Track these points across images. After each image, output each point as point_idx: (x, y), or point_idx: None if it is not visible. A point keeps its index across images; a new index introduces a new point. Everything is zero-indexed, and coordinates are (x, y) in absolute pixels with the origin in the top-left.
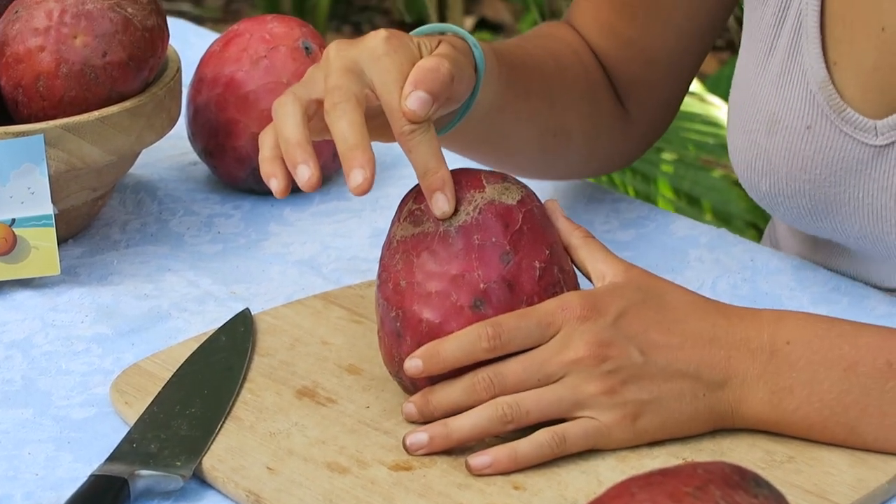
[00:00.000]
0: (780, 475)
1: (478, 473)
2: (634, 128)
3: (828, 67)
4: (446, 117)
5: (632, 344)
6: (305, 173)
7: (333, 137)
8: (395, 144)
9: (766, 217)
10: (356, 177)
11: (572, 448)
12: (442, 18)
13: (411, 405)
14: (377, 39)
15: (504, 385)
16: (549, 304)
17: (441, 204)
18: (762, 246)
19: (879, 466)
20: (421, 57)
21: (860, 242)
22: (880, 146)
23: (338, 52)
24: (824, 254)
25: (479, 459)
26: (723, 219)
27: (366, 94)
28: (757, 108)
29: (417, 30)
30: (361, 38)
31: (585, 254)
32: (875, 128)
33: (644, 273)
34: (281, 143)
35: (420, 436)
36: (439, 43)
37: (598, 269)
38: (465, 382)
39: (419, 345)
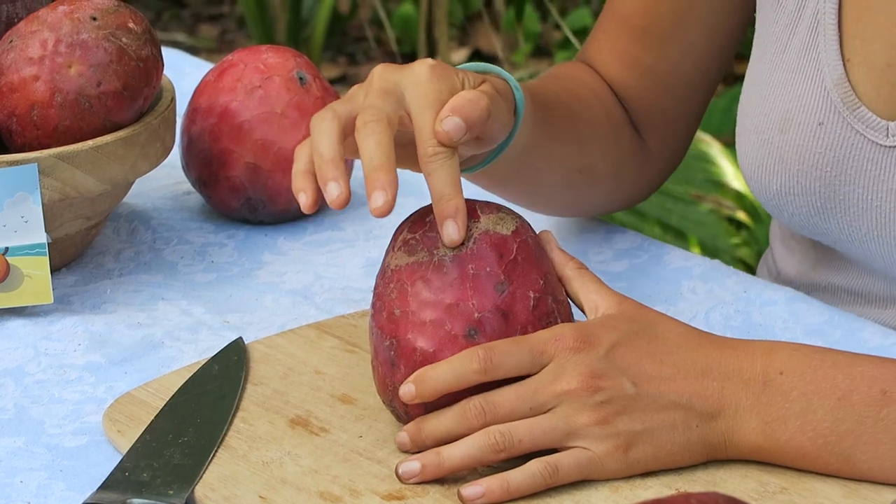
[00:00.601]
0: None
1: None
2: (653, 160)
3: (843, 65)
4: (479, 156)
5: (624, 375)
6: (335, 191)
7: (360, 156)
8: None
9: (754, 251)
10: (377, 198)
11: (565, 478)
12: (432, 50)
13: (404, 434)
14: (423, 66)
15: (496, 413)
16: (542, 334)
17: (451, 231)
18: (755, 278)
19: (872, 497)
20: (463, 90)
21: (864, 246)
22: (889, 147)
23: (382, 74)
24: (825, 271)
25: (472, 489)
26: (710, 253)
27: (400, 116)
28: (770, 107)
29: (463, 65)
30: (408, 65)
31: (579, 285)
32: (887, 128)
33: (637, 305)
34: (315, 159)
35: (412, 464)
36: (483, 81)
37: (592, 301)
38: (456, 410)
39: (413, 373)
